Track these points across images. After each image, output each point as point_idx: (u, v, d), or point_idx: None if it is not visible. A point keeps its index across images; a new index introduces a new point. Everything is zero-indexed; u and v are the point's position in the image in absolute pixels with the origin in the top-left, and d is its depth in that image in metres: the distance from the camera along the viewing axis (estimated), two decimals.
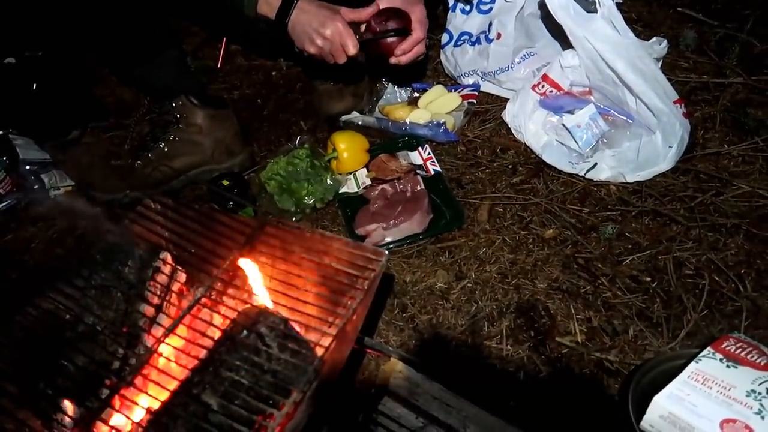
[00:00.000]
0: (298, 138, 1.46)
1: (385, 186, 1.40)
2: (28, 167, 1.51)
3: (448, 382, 0.99)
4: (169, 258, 0.91)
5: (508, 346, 1.09)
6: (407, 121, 1.52)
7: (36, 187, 1.50)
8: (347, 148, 1.45)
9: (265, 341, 0.80)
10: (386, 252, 0.85)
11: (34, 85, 1.66)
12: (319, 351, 0.78)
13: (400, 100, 1.64)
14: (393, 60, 1.28)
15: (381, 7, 1.25)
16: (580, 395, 1.01)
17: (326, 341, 0.78)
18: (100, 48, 1.50)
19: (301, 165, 1.40)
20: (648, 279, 1.15)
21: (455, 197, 1.37)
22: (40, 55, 1.73)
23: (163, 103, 1.47)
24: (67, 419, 0.75)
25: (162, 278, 0.89)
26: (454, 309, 1.16)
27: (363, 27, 1.27)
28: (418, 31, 1.26)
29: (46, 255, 1.40)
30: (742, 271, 1.12)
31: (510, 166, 1.43)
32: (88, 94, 1.81)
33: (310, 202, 1.38)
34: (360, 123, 1.57)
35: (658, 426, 0.76)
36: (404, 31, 1.25)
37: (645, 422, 0.77)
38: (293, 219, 1.38)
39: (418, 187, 1.38)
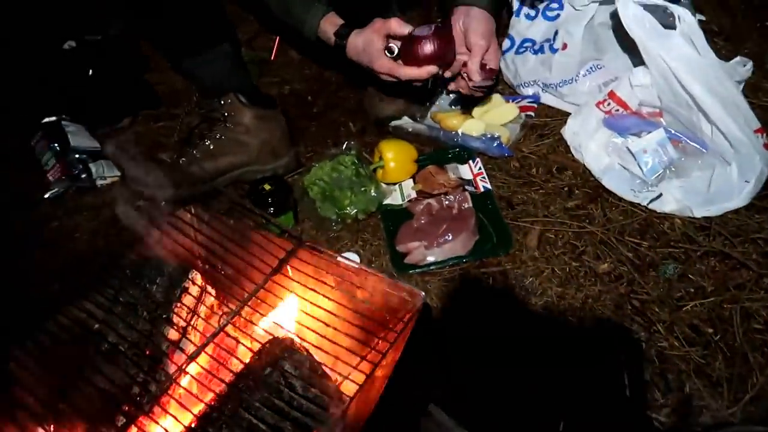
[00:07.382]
0: (345, 143, 1.41)
1: (431, 201, 1.34)
2: (77, 155, 1.52)
3: None
4: (198, 278, 0.88)
5: None
6: (460, 131, 1.44)
7: (84, 176, 1.50)
8: (394, 157, 1.39)
9: (289, 381, 0.77)
10: (422, 294, 0.79)
11: (90, 70, 1.67)
12: (345, 398, 0.74)
13: (453, 108, 1.56)
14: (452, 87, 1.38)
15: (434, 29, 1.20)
16: None
17: (352, 388, 0.74)
18: (154, 35, 1.50)
19: (346, 172, 1.35)
20: (710, 330, 1.05)
21: (504, 219, 1.29)
22: (99, 40, 1.74)
23: (211, 99, 1.44)
24: None
25: (189, 300, 0.86)
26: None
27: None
28: (474, 58, 1.26)
29: (90, 246, 1.41)
30: None
31: (566, 188, 1.34)
32: (141, 81, 1.81)
33: (352, 212, 1.33)
34: (410, 130, 1.50)
35: None
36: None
37: None
38: (334, 227, 1.34)
39: (466, 205, 1.31)
